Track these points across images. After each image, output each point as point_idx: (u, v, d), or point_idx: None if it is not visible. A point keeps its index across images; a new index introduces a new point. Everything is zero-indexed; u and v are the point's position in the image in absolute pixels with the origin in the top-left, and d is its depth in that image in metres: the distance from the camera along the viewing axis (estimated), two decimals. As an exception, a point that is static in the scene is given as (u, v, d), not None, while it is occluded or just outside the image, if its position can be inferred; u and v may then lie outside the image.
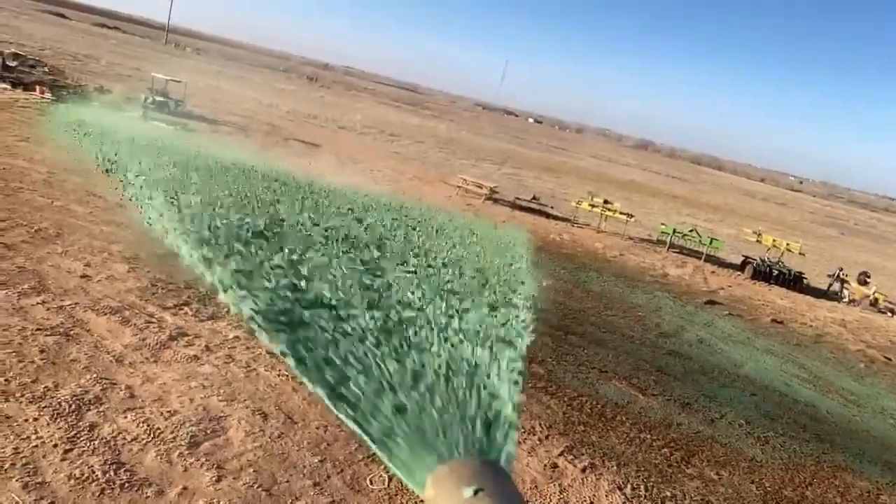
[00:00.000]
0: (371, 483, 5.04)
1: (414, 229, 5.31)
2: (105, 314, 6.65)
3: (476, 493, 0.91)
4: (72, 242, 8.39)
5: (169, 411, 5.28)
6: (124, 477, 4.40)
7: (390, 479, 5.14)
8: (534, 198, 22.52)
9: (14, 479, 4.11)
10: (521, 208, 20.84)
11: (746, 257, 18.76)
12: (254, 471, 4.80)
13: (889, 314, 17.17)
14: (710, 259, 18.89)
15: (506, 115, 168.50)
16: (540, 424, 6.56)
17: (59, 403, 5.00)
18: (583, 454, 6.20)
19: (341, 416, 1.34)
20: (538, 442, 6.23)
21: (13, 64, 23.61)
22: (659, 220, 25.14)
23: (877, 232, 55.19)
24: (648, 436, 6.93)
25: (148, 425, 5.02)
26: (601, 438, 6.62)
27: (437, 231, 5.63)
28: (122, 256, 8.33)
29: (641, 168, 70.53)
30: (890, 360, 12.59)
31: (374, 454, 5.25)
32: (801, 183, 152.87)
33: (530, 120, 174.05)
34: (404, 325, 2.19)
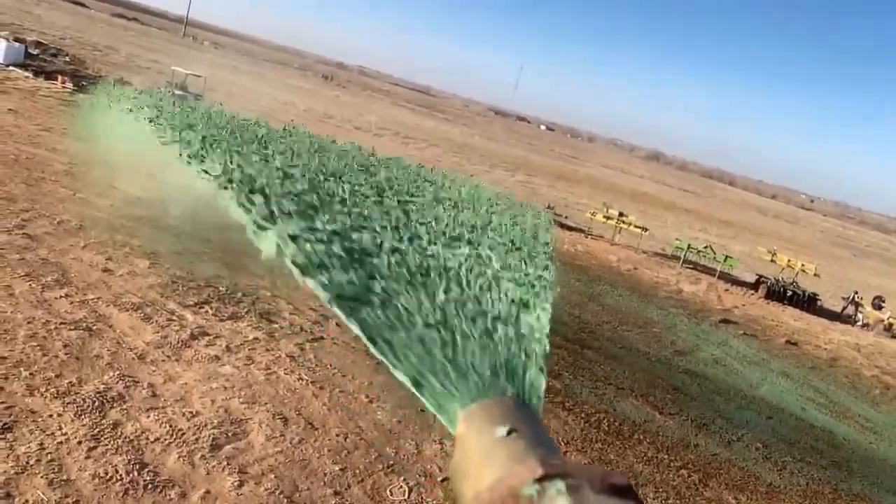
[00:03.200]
0: (391, 493, 5.01)
1: None
2: (127, 310, 6.65)
3: (509, 433, 0.88)
4: (94, 236, 8.40)
5: (191, 412, 5.27)
6: (148, 477, 4.38)
7: (410, 491, 5.12)
8: (548, 207, 22.45)
9: (39, 476, 4.10)
10: (535, 217, 20.77)
11: (760, 276, 18.65)
12: (275, 477, 4.77)
13: (903, 340, 17.03)
14: (724, 276, 18.79)
15: (518, 120, 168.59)
16: (558, 440, 6.52)
17: (83, 400, 4.99)
18: (601, 473, 6.14)
19: (376, 353, 1.33)
20: (556, 458, 6.18)
21: (35, 52, 23.75)
22: (672, 234, 25.06)
23: (890, 255, 54.83)
24: (666, 456, 6.88)
25: (170, 426, 5.00)
26: (619, 457, 6.57)
27: None
28: (143, 251, 8.33)
29: (654, 180, 70.37)
30: (905, 387, 12.48)
31: (394, 464, 5.24)
32: (813, 201, 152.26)
33: (542, 127, 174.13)
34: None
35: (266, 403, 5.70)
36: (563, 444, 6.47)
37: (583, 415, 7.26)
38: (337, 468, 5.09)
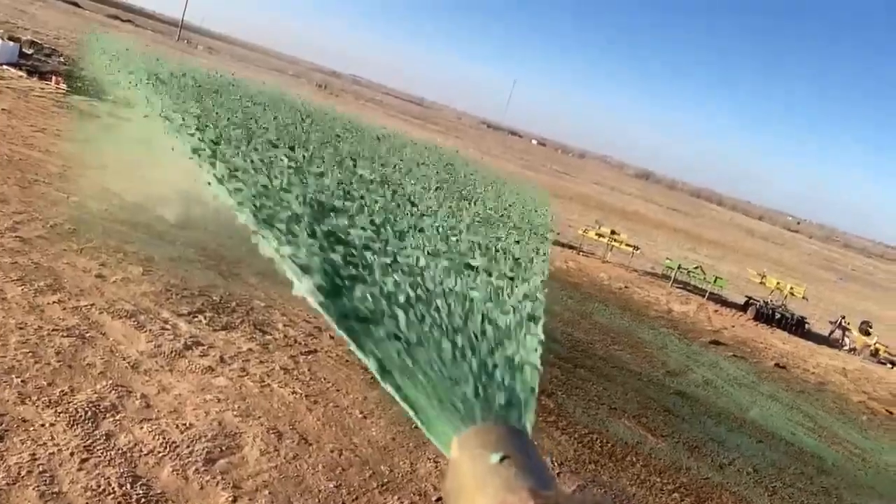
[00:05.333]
0: (386, 513, 4.96)
1: None
2: (120, 317, 6.58)
3: (502, 459, 0.89)
4: (87, 240, 8.31)
5: (184, 424, 5.20)
6: (140, 491, 4.31)
7: (405, 510, 5.07)
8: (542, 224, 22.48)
9: (31, 488, 4.03)
10: (527, 232, 20.78)
11: (749, 298, 18.75)
12: (269, 493, 4.71)
13: (890, 365, 17.16)
14: (713, 297, 18.88)
15: (510, 135, 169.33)
16: (551, 461, 6.49)
17: (76, 409, 4.91)
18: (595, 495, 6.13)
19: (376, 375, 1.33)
20: (550, 479, 6.15)
21: (29, 52, 23.61)
22: (661, 253, 25.19)
23: (874, 279, 55.38)
24: (658, 479, 6.87)
25: (164, 438, 4.94)
26: (612, 479, 6.55)
27: None
28: (137, 258, 8.25)
29: (644, 199, 70.80)
30: (892, 413, 12.55)
31: (388, 483, 5.19)
32: (799, 223, 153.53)
33: (534, 142, 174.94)
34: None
35: (260, 417, 5.64)
36: (556, 464, 6.45)
37: (576, 435, 7.24)
38: (331, 485, 5.04)
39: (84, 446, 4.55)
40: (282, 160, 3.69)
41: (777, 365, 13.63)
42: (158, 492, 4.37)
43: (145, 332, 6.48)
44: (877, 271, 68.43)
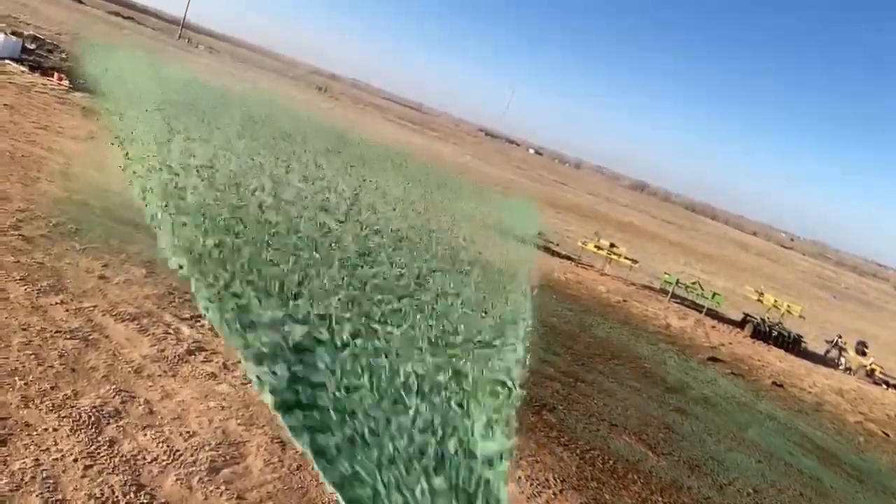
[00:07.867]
0: (390, 527, 4.90)
1: None
2: (124, 320, 6.51)
3: None
4: (90, 240, 8.24)
5: (188, 432, 5.14)
6: (144, 500, 4.25)
7: (408, 525, 5.01)
8: (539, 234, 22.50)
9: (34, 494, 3.97)
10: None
11: (747, 315, 18.77)
12: (274, 504, 4.66)
13: (884, 386, 17.19)
14: (710, 313, 18.90)
15: (508, 143, 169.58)
16: (554, 477, 6.45)
17: (79, 414, 4.85)
18: (598, 513, 6.09)
19: None
20: (553, 496, 6.12)
21: (32, 47, 23.52)
22: (658, 266, 25.21)
23: (867, 298, 55.57)
24: (660, 498, 6.83)
25: (168, 446, 4.88)
26: (614, 497, 6.51)
27: None
28: (140, 259, 8.18)
29: (638, 210, 70.92)
30: (888, 435, 12.56)
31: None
32: (793, 240, 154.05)
33: (531, 150, 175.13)
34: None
35: (263, 426, 5.58)
36: (559, 481, 6.40)
37: (577, 451, 7.20)
38: (335, 497, 4.98)
39: (87, 452, 4.49)
40: None
41: (774, 383, 13.62)
42: (162, 501, 4.31)
43: (148, 335, 6.42)
44: (870, 290, 68.72)
